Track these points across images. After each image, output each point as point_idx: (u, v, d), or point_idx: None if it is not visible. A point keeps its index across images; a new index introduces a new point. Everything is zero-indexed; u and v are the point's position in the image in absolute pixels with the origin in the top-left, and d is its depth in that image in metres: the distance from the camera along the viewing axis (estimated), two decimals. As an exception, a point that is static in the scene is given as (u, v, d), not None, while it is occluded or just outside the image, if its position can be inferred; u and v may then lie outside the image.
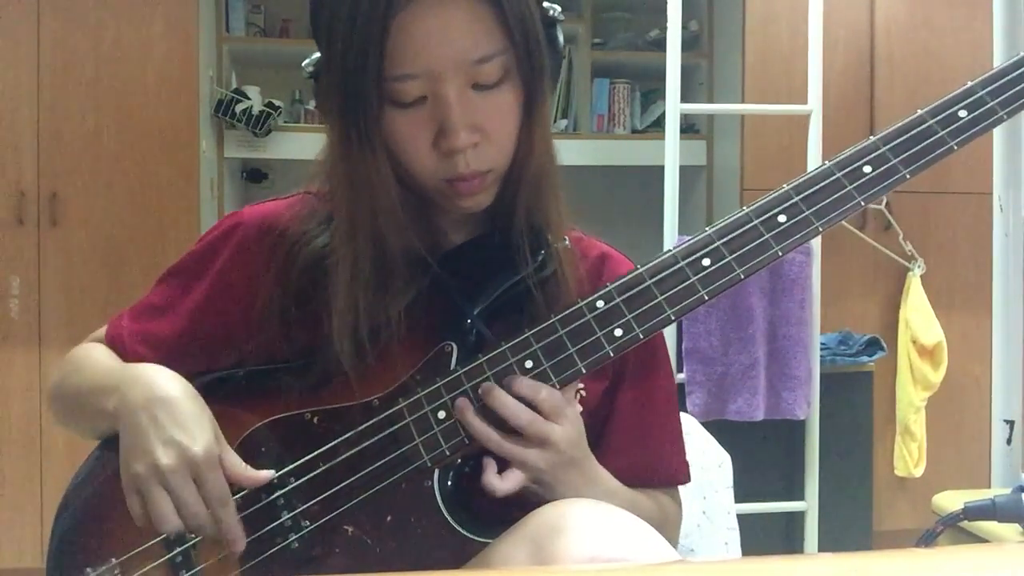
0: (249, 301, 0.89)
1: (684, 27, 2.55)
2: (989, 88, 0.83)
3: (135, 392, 0.82)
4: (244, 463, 0.81)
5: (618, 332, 0.80)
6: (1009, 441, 1.70)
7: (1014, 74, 0.83)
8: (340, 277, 0.83)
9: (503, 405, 0.79)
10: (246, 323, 0.89)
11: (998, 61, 1.77)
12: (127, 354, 0.94)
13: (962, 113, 0.82)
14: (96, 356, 0.94)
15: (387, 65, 0.76)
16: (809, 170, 0.84)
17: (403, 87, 0.78)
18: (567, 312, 0.82)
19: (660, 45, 2.62)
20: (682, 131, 2.45)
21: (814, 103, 2.42)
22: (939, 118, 0.82)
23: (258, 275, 0.90)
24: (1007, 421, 1.71)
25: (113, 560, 0.83)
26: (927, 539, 1.17)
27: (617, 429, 0.94)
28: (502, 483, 0.79)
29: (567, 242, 0.88)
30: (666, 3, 2.33)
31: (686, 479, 0.98)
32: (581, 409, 0.87)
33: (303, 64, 0.87)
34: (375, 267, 0.84)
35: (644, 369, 0.95)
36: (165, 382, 0.82)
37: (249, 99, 3.23)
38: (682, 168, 2.41)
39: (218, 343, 0.91)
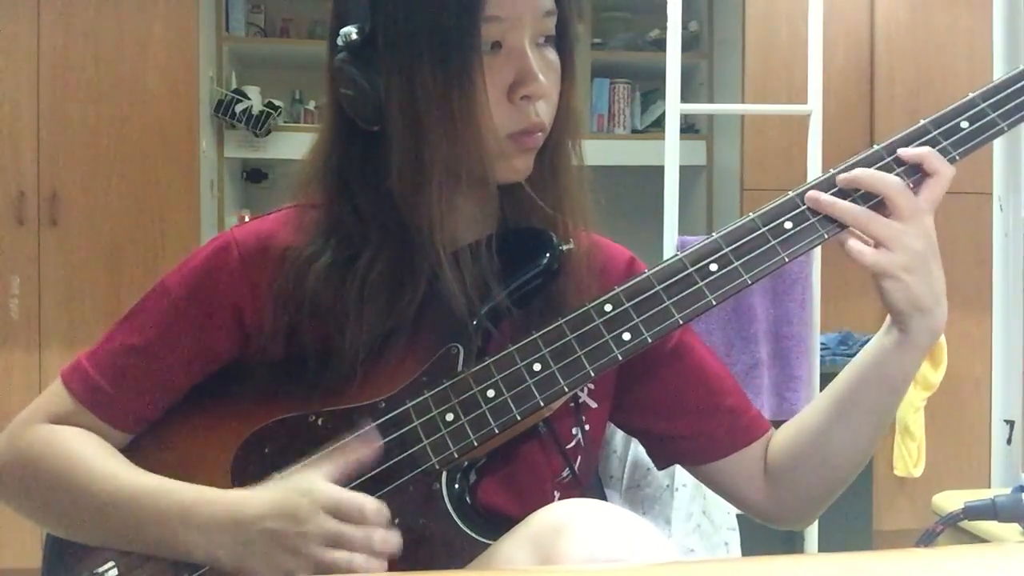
0: (257, 316, 0.87)
1: (684, 27, 2.55)
2: (991, 100, 0.84)
3: (220, 520, 0.78)
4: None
5: (627, 336, 0.80)
6: (1009, 441, 1.70)
7: (1015, 86, 0.84)
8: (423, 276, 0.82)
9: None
10: (254, 337, 0.87)
11: (998, 62, 1.77)
12: (116, 405, 0.88)
13: (964, 124, 0.84)
14: (117, 470, 0.85)
15: (482, 5, 0.78)
16: (813, 177, 0.85)
17: (487, 30, 0.79)
18: (575, 315, 0.82)
19: (660, 45, 2.62)
20: (682, 131, 2.45)
21: (814, 103, 2.42)
22: (942, 129, 0.84)
23: (263, 288, 0.86)
24: (1007, 421, 1.71)
25: (111, 563, 0.83)
26: (927, 539, 1.17)
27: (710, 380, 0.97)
28: (874, 254, 0.80)
29: (572, 244, 0.88)
30: (666, 3, 2.33)
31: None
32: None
33: (343, 31, 0.82)
34: (391, 267, 0.83)
35: (682, 339, 0.97)
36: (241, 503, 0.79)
37: (249, 99, 3.24)
38: (682, 168, 2.40)
39: (222, 360, 0.89)
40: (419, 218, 0.82)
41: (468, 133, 0.80)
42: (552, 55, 0.84)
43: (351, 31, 0.82)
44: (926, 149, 0.82)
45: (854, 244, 0.81)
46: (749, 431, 0.96)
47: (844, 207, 0.81)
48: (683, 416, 0.96)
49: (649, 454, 1.02)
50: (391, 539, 0.76)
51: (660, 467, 1.03)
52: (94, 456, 0.85)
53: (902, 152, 0.83)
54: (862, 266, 0.81)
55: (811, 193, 0.82)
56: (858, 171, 0.82)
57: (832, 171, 0.84)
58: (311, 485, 0.76)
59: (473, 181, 0.84)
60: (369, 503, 0.75)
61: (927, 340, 0.84)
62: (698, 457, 0.97)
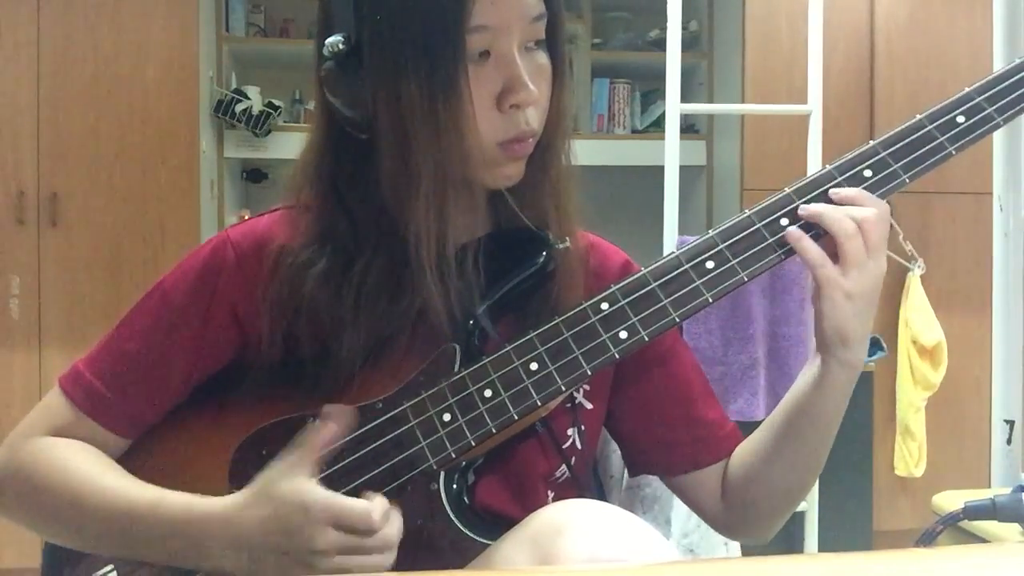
0: (254, 315, 0.86)
1: (684, 27, 2.55)
2: (986, 94, 0.83)
3: (218, 533, 0.77)
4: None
5: (623, 334, 0.80)
6: (1009, 441, 1.70)
7: (1010, 80, 0.83)
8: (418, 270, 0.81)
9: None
10: (252, 337, 0.87)
11: (998, 61, 1.77)
12: (115, 410, 0.87)
13: (960, 119, 0.83)
14: (116, 484, 0.84)
15: (467, 15, 0.77)
16: (810, 173, 0.84)
17: (474, 39, 0.78)
18: (571, 314, 0.81)
19: (660, 45, 2.62)
20: (682, 131, 2.45)
21: (814, 103, 2.42)
22: (937, 124, 0.83)
23: (260, 288, 0.86)
24: (1007, 421, 1.71)
25: (111, 567, 0.83)
26: (927, 539, 1.17)
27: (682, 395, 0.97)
28: (825, 261, 0.79)
29: (568, 243, 0.88)
30: (666, 3, 2.33)
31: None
32: None
33: (328, 42, 0.81)
34: (393, 266, 0.83)
35: (670, 347, 0.97)
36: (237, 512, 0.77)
37: (249, 99, 3.24)
38: (682, 168, 2.40)
39: (221, 361, 0.89)
40: (410, 224, 0.81)
41: (455, 144, 0.79)
42: (543, 59, 0.83)
43: (337, 40, 0.81)
44: (855, 191, 0.81)
45: (807, 242, 0.80)
46: (724, 445, 0.97)
47: (807, 246, 0.80)
48: (664, 423, 0.96)
49: (625, 459, 1.02)
50: (396, 526, 0.76)
51: (633, 474, 1.03)
52: (91, 470, 0.84)
53: (802, 212, 0.81)
54: (807, 262, 0.80)
55: (791, 230, 0.81)
56: (820, 208, 0.81)
57: (829, 166, 0.83)
58: (305, 498, 0.74)
59: (463, 187, 0.84)
60: (376, 510, 0.74)
61: (843, 376, 0.83)
62: (673, 467, 0.97)
